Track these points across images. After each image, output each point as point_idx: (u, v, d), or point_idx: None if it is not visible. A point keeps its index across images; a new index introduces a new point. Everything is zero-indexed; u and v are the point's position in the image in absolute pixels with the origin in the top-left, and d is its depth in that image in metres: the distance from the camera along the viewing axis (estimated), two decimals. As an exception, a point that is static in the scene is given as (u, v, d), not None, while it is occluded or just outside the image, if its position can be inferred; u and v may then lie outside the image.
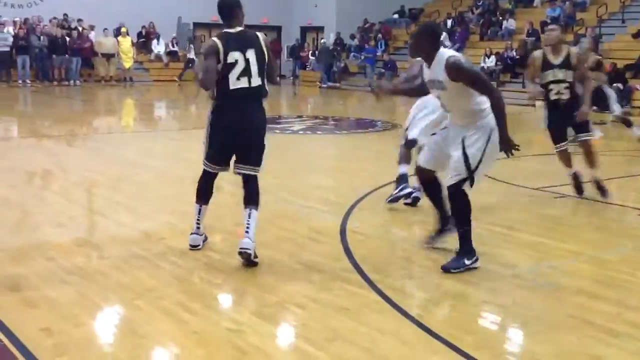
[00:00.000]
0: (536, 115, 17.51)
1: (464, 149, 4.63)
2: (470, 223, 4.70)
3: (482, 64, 21.28)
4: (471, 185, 4.65)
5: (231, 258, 4.79)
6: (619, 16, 21.52)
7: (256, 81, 4.68)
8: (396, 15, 27.48)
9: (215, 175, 5.02)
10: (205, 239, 5.11)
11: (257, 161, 4.87)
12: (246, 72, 4.65)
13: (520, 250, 5.22)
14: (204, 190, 5.00)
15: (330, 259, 4.85)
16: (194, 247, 4.98)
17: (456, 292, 4.30)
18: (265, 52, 4.73)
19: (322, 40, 26.46)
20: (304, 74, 26.51)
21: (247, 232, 4.68)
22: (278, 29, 28.43)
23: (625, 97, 17.45)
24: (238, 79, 4.65)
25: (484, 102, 4.58)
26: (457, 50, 23.06)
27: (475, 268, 4.63)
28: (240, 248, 4.62)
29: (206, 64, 4.63)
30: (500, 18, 23.58)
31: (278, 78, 5.12)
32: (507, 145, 4.55)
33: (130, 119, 16.33)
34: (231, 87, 4.65)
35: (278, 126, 13.11)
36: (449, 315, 4.07)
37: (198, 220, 5.00)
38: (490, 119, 4.58)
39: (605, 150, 11.31)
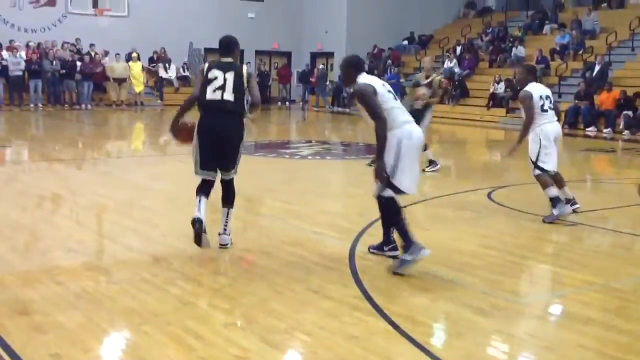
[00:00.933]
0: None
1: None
2: (403, 221, 5.17)
3: (492, 90, 21.34)
4: (395, 192, 5.19)
5: (240, 284, 4.77)
6: (629, 44, 21.57)
7: (229, 96, 5.42)
8: (406, 42, 27.63)
9: (209, 184, 5.59)
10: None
11: (230, 166, 5.59)
12: (222, 87, 5.43)
13: (531, 279, 5.19)
14: (204, 191, 5.56)
15: (339, 286, 4.83)
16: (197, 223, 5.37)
17: (466, 320, 4.26)
18: (245, 77, 5.50)
19: (321, 66, 26.67)
20: (314, 99, 26.66)
21: (225, 228, 5.68)
22: (288, 55, 28.65)
23: (636, 124, 17.43)
24: (214, 91, 5.45)
25: (390, 122, 5.10)
26: (466, 76, 23.20)
27: (422, 259, 5.08)
28: (220, 244, 5.65)
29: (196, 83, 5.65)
30: (510, 45, 23.67)
31: (258, 101, 5.67)
32: (377, 172, 5.08)
33: (139, 143, 16.42)
34: (207, 98, 5.46)
35: (287, 151, 13.15)
36: (458, 344, 4.02)
37: (199, 206, 5.44)
38: (398, 133, 5.10)
39: (616, 179, 11.29)
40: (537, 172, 7.09)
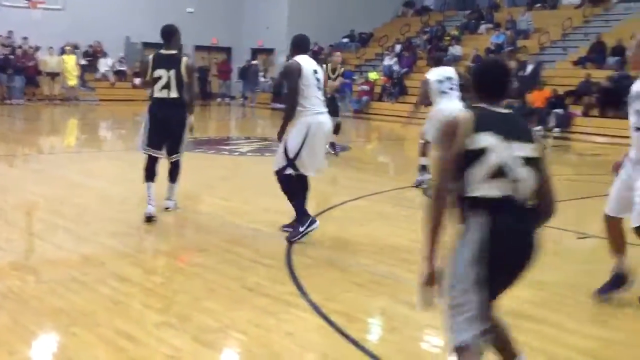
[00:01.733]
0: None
1: (285, 141, 5.77)
2: (298, 197, 5.81)
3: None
4: (295, 170, 5.76)
5: (174, 282, 4.70)
6: (561, 44, 22.23)
7: (174, 94, 6.31)
8: (346, 39, 27.78)
9: (155, 159, 6.44)
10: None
11: (176, 149, 6.53)
12: (167, 86, 6.27)
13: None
14: (150, 171, 6.42)
15: (275, 283, 4.81)
16: (149, 218, 6.22)
17: (401, 315, 4.31)
18: (184, 72, 6.31)
19: (252, 62, 26.58)
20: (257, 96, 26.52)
21: (169, 197, 6.67)
22: (228, 50, 28.40)
23: (566, 122, 18.00)
24: (160, 90, 6.30)
25: (303, 104, 5.65)
26: (405, 74, 23.47)
27: (312, 230, 5.72)
28: (165, 208, 6.64)
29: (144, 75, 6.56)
30: (447, 44, 24.08)
31: (194, 94, 6.86)
32: (278, 137, 5.90)
33: (73, 138, 16.01)
34: (155, 96, 6.35)
35: (226, 147, 13.03)
36: (392, 339, 4.06)
37: (149, 196, 6.34)
38: (308, 118, 5.64)
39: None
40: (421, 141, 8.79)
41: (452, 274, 2.72)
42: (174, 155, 6.60)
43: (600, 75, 18.58)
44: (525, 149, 2.73)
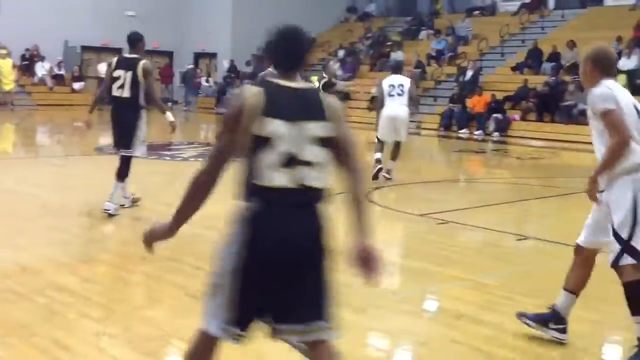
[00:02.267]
0: (423, 144, 18.16)
1: None
2: None
3: (374, 94, 21.83)
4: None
5: (114, 291, 4.60)
6: (499, 50, 22.77)
7: (126, 93, 6.77)
8: (289, 44, 27.80)
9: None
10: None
11: (125, 145, 6.89)
12: (122, 85, 6.76)
13: (405, 276, 5.33)
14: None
15: (218, 290, 4.76)
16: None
17: (343, 319, 4.31)
18: (140, 75, 6.74)
19: (188, 66, 26.41)
20: (200, 100, 26.27)
21: (110, 198, 6.77)
22: (170, 54, 28.06)
23: (504, 127, 18.44)
24: (117, 89, 6.80)
25: None
26: (348, 79, 23.61)
27: None
28: (105, 210, 6.73)
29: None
30: (389, 50, 24.37)
31: (153, 94, 7.04)
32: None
33: (9, 144, 15.53)
34: (112, 94, 6.83)
35: (168, 153, 12.86)
36: (335, 344, 4.06)
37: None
38: None
39: (486, 178, 11.87)
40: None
41: (217, 256, 2.65)
42: (122, 151, 6.93)
43: (537, 81, 19.12)
44: (317, 129, 2.53)
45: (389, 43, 25.01)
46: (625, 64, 18.01)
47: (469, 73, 20.48)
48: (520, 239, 6.76)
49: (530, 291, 4.91)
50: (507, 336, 4.09)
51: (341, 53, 25.31)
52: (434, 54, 23.19)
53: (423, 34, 25.51)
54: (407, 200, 8.60)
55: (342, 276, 5.13)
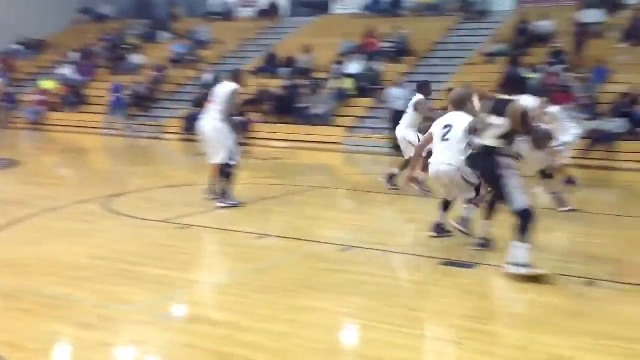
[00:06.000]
0: (165, 148, 17.91)
1: None
2: None
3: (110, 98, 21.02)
4: None
5: None
6: (238, 54, 23.27)
7: None
8: (17, 46, 25.68)
9: None
10: None
11: None
12: None
13: (142, 285, 5.16)
14: None
15: None
16: None
17: (72, 337, 4.05)
18: None
19: None
20: None
21: None
22: None
23: (244, 128, 18.87)
24: None
25: None
26: (84, 83, 22.44)
27: None
28: None
29: None
30: (127, 52, 23.65)
31: None
32: None
33: None
34: None
35: None
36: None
37: None
38: None
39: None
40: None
41: None
42: None
43: (274, 84, 19.87)
44: None
45: (125, 46, 24.29)
46: (351, 68, 19.52)
47: (210, 77, 20.63)
48: (259, 237, 6.90)
49: (264, 288, 5.04)
50: (242, 334, 4.14)
51: (75, 56, 23.99)
52: (174, 57, 22.99)
53: (162, 37, 25.15)
54: (148, 206, 8.37)
55: (71, 290, 4.82)
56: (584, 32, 18.32)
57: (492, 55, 19.23)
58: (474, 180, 6.28)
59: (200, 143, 8.66)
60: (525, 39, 19.44)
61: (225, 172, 8.40)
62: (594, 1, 19.45)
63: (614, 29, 18.93)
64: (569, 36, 18.64)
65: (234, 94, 8.29)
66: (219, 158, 8.33)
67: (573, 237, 7.50)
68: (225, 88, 8.38)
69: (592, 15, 19.21)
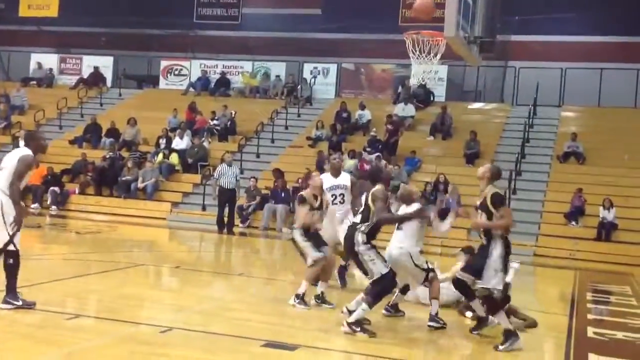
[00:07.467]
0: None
1: None
2: None
3: None
4: None
5: None
6: (57, 122, 22.33)
7: None
8: None
9: None
10: None
11: None
12: None
13: None
14: None
15: None
16: None
17: None
18: None
19: None
20: None
21: None
22: None
23: (62, 200, 17.96)
24: None
25: None
26: None
27: None
28: None
29: None
30: None
31: None
32: None
33: None
34: None
35: None
36: None
37: None
38: None
39: (42, 254, 11.24)
40: None
41: None
42: None
43: (96, 155, 19.25)
44: None
45: None
46: (178, 143, 19.45)
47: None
48: (70, 318, 6.44)
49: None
50: None
51: None
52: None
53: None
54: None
55: None
56: (397, 124, 19.80)
57: (315, 139, 20.10)
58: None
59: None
60: (346, 126, 20.60)
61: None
62: (406, 96, 21.22)
63: (424, 122, 20.74)
64: (384, 126, 20.07)
65: (23, 161, 6.50)
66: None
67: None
68: (14, 154, 6.63)
69: (406, 109, 20.91)
